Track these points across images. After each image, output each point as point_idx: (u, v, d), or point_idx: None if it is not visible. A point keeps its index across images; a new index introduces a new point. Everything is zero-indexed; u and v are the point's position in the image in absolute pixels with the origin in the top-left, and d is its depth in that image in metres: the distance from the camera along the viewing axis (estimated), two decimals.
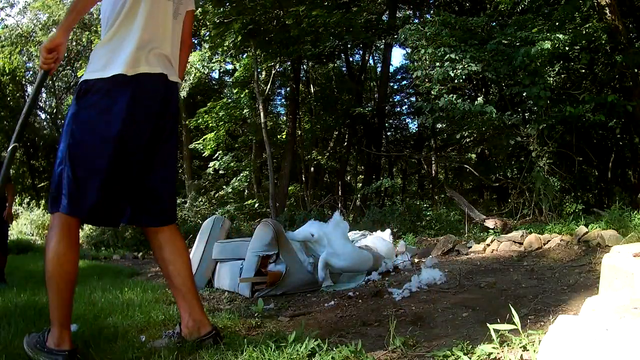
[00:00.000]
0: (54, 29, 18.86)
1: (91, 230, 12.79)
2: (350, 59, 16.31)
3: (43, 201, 19.71)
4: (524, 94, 7.33)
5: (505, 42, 7.12)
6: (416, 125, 17.15)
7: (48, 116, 23.98)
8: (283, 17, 10.79)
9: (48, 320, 2.42)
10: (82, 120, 1.75)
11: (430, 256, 4.86)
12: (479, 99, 7.53)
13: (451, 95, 7.11)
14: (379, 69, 16.32)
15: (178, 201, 12.70)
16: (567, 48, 7.25)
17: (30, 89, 23.73)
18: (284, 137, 14.79)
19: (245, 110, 12.74)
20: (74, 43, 19.21)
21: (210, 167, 13.16)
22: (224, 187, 13.80)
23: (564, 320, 1.19)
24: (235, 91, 13.30)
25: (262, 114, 11.16)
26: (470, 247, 5.03)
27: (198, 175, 15.21)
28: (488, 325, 1.79)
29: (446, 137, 13.56)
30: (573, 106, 6.87)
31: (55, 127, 22.59)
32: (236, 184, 13.08)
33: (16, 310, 2.62)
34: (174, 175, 2.01)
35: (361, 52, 16.27)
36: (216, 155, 13.04)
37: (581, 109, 6.80)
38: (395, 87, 16.62)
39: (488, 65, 7.03)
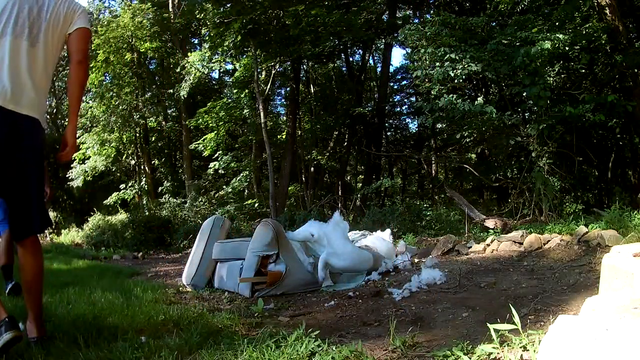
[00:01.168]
0: None
1: (91, 231, 12.79)
2: (350, 59, 16.32)
3: None
4: (524, 94, 7.33)
5: (505, 42, 7.12)
6: (416, 125, 17.16)
7: (48, 116, 23.98)
8: (283, 17, 10.79)
9: (48, 320, 2.43)
10: None
11: (430, 256, 4.86)
12: (479, 99, 7.53)
13: (451, 95, 7.11)
14: (379, 69, 16.34)
15: (178, 201, 12.74)
16: (567, 48, 7.25)
17: None
18: (284, 137, 14.79)
19: (245, 110, 12.74)
20: None
21: (210, 167, 13.17)
22: (224, 187, 13.80)
23: (564, 320, 1.19)
24: (235, 91, 13.30)
25: (262, 114, 11.16)
26: (470, 247, 5.02)
27: (198, 175, 15.21)
28: (488, 325, 1.79)
29: (446, 137, 13.55)
30: (573, 106, 6.87)
31: (55, 127, 22.59)
32: (236, 184, 13.07)
33: (16, 310, 2.61)
34: (26, 197, 2.08)
35: (361, 52, 16.28)
36: (216, 155, 13.05)
37: (581, 109, 6.79)
38: (395, 87, 16.63)
39: (488, 65, 7.03)
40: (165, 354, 1.90)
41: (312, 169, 15.11)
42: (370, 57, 17.12)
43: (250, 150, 14.22)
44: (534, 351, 1.61)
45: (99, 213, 13.70)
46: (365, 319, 2.66)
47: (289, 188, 13.70)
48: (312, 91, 14.88)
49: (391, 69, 15.68)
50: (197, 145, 13.18)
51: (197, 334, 2.16)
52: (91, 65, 13.83)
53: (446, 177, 15.61)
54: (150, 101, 15.66)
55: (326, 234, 3.99)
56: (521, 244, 4.62)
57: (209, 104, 13.05)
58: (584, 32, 7.60)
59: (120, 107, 14.34)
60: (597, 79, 8.95)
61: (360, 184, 14.49)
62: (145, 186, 15.51)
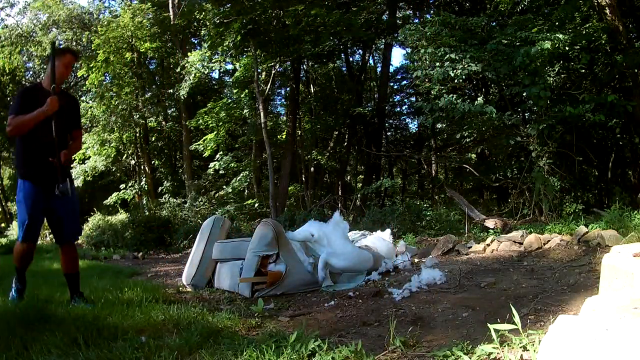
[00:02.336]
0: (54, 29, 18.85)
1: (91, 231, 12.78)
2: (350, 59, 16.32)
3: None
4: (524, 94, 7.32)
5: (505, 42, 7.12)
6: (416, 125, 17.16)
7: None
8: (283, 17, 10.79)
9: (48, 320, 2.43)
10: None
11: (430, 256, 4.86)
12: (479, 99, 7.52)
13: (451, 95, 7.11)
14: (379, 69, 16.33)
15: (178, 201, 12.78)
16: (567, 48, 7.24)
17: None
18: (284, 137, 14.79)
19: (245, 110, 12.73)
20: (74, 43, 19.21)
21: (210, 167, 13.17)
22: (224, 187, 13.80)
23: (564, 320, 1.19)
24: (235, 91, 13.29)
25: (262, 114, 11.15)
26: (470, 247, 5.03)
27: (198, 175, 15.22)
28: (488, 325, 1.79)
29: (446, 137, 13.56)
30: (573, 106, 6.87)
31: None
32: (236, 184, 13.07)
33: (16, 310, 2.61)
34: None
35: (361, 52, 16.28)
36: (217, 156, 13.05)
37: (581, 109, 6.79)
38: (395, 87, 16.62)
39: (488, 65, 7.03)
40: (165, 354, 1.90)
41: (312, 169, 15.10)
42: (370, 57, 17.12)
43: (250, 150, 14.22)
44: (534, 351, 1.61)
45: (99, 213, 13.70)
46: (365, 319, 2.66)
47: (289, 188, 13.69)
48: (312, 91, 14.87)
49: (391, 69, 15.70)
50: (197, 146, 13.19)
51: (197, 334, 2.16)
52: (91, 65, 13.86)
53: (446, 177, 15.62)
54: (150, 101, 15.66)
55: (326, 234, 3.99)
56: (521, 244, 4.62)
57: (209, 104, 13.05)
58: (584, 32, 7.59)
59: (120, 107, 14.34)
60: (597, 79, 8.95)
61: (360, 184, 14.49)
62: (145, 186, 15.51)
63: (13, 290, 3.16)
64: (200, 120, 12.82)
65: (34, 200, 3.01)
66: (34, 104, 2.93)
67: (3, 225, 18.86)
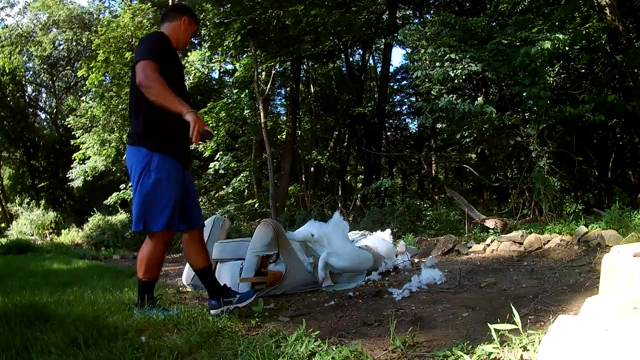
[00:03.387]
0: (54, 29, 18.86)
1: (91, 231, 12.78)
2: (350, 59, 16.34)
3: (43, 201, 19.71)
4: (524, 94, 7.32)
5: (505, 42, 7.12)
6: (416, 125, 17.19)
7: (48, 116, 23.99)
8: (283, 17, 10.79)
9: (48, 320, 2.43)
10: None
11: (430, 256, 4.86)
12: (479, 99, 7.53)
13: (451, 95, 7.11)
14: (379, 69, 16.35)
15: None
16: (567, 48, 7.25)
17: (30, 89, 23.69)
18: (284, 137, 14.80)
19: (245, 111, 12.74)
20: (74, 43, 19.22)
21: (210, 168, 13.17)
22: (224, 187, 13.80)
23: (564, 320, 1.19)
24: (235, 91, 13.30)
25: (262, 114, 11.16)
26: (470, 247, 5.03)
27: (198, 175, 15.21)
28: (489, 325, 1.79)
29: (446, 137, 13.56)
30: (573, 106, 6.87)
31: (55, 126, 22.56)
32: (236, 184, 13.08)
33: (16, 310, 2.61)
34: None
35: (361, 52, 16.30)
36: (217, 156, 13.05)
37: (581, 109, 6.79)
38: (395, 87, 16.64)
39: (488, 65, 7.03)
40: (165, 354, 1.90)
41: (312, 169, 15.11)
42: (370, 57, 17.14)
43: (250, 150, 14.22)
44: (534, 351, 1.61)
45: (99, 213, 13.69)
46: (366, 319, 2.66)
47: (289, 188, 13.69)
48: (312, 91, 14.88)
49: (391, 69, 15.72)
50: (196, 146, 13.17)
51: (197, 334, 2.15)
52: (91, 65, 13.86)
53: (446, 177, 15.63)
54: None
55: (326, 234, 3.98)
56: (521, 244, 4.63)
57: (209, 104, 13.05)
58: (584, 32, 7.59)
59: (120, 107, 14.33)
60: (597, 79, 8.95)
61: (360, 184, 14.50)
62: None
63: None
64: None
65: (178, 179, 2.60)
66: (170, 58, 2.60)
67: (3, 225, 18.86)
